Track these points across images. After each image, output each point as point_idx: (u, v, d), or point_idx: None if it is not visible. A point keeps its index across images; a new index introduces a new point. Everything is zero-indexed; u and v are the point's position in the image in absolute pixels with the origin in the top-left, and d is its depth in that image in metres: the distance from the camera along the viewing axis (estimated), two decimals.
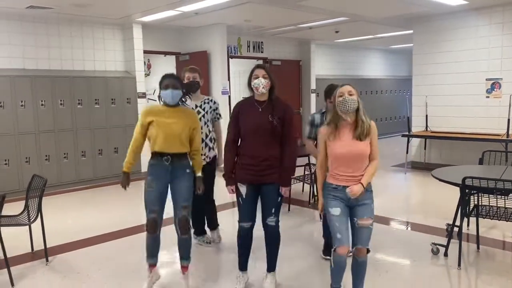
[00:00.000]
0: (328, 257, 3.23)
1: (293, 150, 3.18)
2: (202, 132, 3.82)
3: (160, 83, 3.23)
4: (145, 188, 3.23)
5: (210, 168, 3.98)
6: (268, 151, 3.09)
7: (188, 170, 3.27)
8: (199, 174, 3.34)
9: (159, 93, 3.25)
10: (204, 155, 3.94)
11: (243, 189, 3.15)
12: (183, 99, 3.34)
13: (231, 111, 3.35)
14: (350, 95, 2.71)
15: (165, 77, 3.24)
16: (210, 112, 4.02)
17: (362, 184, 2.74)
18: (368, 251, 2.83)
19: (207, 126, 3.99)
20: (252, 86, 3.13)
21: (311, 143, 3.82)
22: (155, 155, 3.22)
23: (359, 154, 2.74)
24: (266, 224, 3.20)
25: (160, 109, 3.24)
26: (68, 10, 6.55)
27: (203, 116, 3.96)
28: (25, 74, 6.73)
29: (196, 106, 3.96)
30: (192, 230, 3.65)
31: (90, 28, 7.53)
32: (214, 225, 4.39)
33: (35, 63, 6.96)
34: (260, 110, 3.14)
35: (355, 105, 2.71)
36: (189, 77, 3.93)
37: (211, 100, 4.08)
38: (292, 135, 3.18)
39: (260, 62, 10.40)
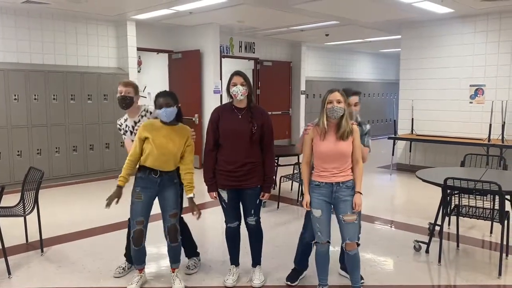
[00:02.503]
0: (289, 283, 3.46)
1: (273, 157, 3.41)
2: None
3: (155, 102, 3.20)
4: (132, 198, 3.24)
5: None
6: (246, 157, 3.21)
7: (175, 180, 3.32)
8: (191, 195, 3.23)
9: (156, 113, 3.19)
10: None
11: (224, 194, 3.29)
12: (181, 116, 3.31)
13: (210, 116, 3.32)
14: (338, 103, 2.93)
15: (158, 95, 3.21)
16: None
17: (359, 192, 3.00)
18: (357, 244, 3.02)
19: None
20: (231, 93, 3.22)
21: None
22: (144, 168, 3.21)
23: (341, 152, 2.97)
24: (247, 223, 3.37)
25: (158, 126, 3.21)
26: (63, 6, 6.61)
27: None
28: (19, 68, 6.76)
29: (135, 123, 3.50)
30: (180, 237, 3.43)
31: (84, 24, 7.59)
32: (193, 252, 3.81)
33: (28, 57, 6.99)
34: (240, 116, 3.23)
35: (342, 113, 2.95)
36: (121, 91, 3.44)
37: (147, 111, 3.54)
38: (272, 142, 3.34)
39: (252, 62, 10.56)
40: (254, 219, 3.35)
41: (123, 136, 3.65)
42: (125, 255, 3.70)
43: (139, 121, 3.49)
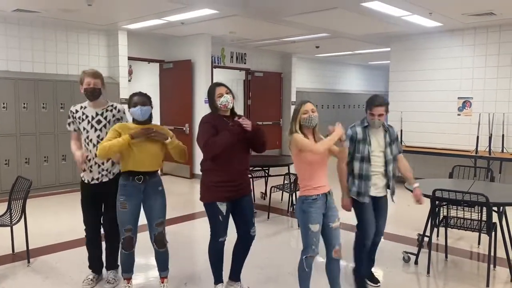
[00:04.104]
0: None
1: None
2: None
3: (129, 102, 3.20)
4: (117, 207, 3.23)
5: (115, 187, 3.30)
6: (242, 166, 3.21)
7: (160, 188, 3.30)
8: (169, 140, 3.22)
9: (129, 111, 3.22)
10: (107, 170, 3.43)
11: (223, 207, 3.16)
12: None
13: (203, 119, 3.22)
14: (313, 112, 3.03)
15: (133, 95, 3.23)
16: (114, 122, 3.42)
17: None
18: None
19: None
20: (219, 105, 3.14)
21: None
22: (127, 174, 3.20)
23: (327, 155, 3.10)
24: (249, 235, 3.29)
25: (131, 127, 3.19)
26: (54, 15, 6.59)
27: (104, 126, 3.39)
28: (8, 76, 6.71)
29: (97, 114, 3.42)
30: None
31: (75, 33, 7.57)
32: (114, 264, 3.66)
33: (18, 65, 6.94)
34: (230, 124, 3.16)
35: (317, 121, 3.05)
36: (89, 83, 3.41)
37: (115, 108, 3.49)
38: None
39: (243, 73, 10.61)
40: (254, 229, 3.31)
41: (68, 126, 3.51)
42: (89, 267, 3.65)
43: (102, 114, 3.43)
